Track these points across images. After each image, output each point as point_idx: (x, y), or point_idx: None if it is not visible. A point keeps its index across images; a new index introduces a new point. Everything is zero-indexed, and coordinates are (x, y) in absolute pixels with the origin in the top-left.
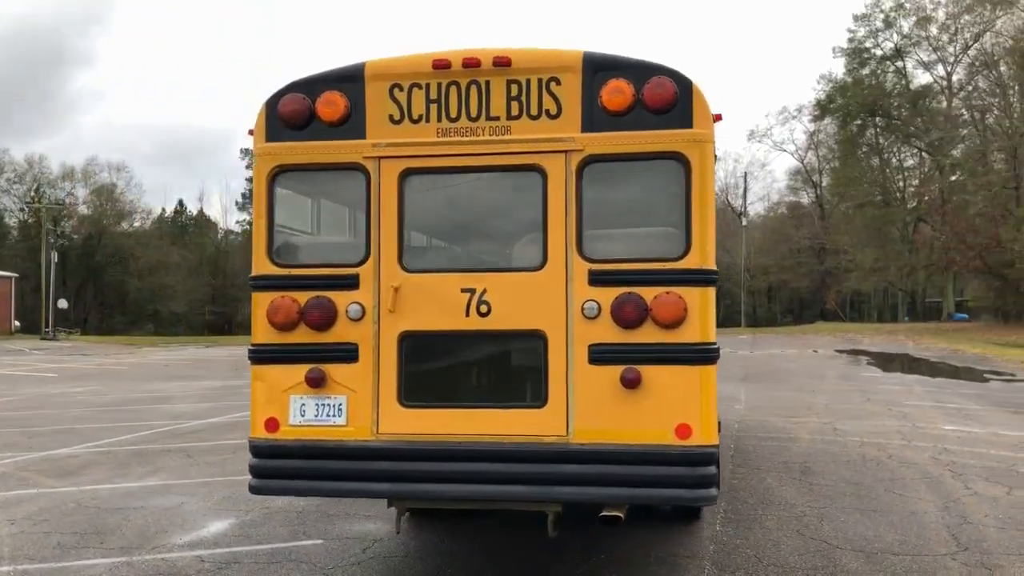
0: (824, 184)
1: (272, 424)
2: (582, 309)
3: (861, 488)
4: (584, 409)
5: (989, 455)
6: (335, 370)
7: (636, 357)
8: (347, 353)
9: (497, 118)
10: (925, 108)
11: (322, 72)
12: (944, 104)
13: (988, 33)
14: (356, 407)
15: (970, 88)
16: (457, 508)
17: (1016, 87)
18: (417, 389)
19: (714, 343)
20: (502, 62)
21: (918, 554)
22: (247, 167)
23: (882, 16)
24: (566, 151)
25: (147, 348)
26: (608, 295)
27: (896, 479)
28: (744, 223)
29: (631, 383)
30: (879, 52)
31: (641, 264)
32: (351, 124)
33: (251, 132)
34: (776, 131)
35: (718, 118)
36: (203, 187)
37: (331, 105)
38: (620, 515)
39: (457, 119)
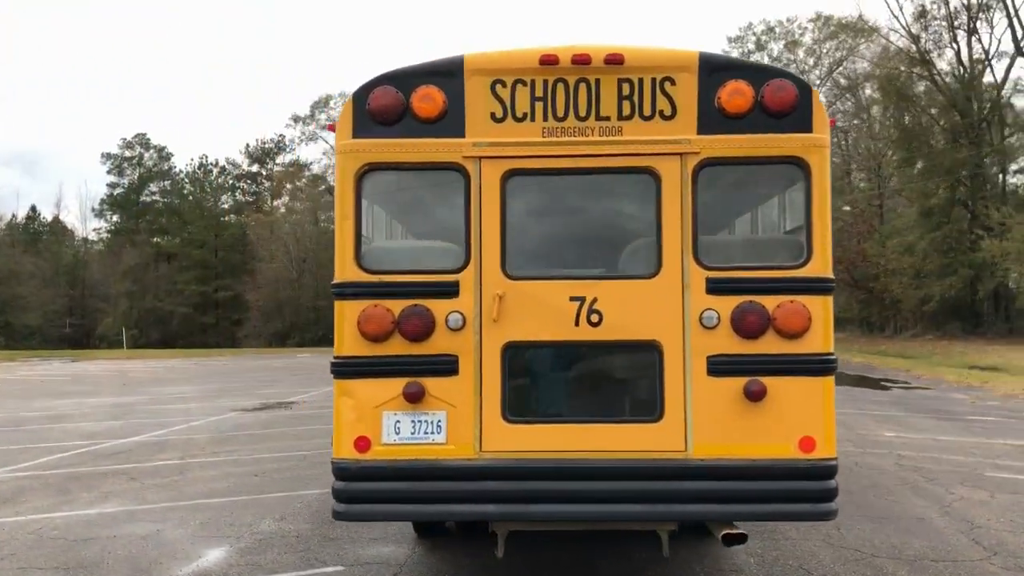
0: None
1: (363, 444)
2: (700, 318)
3: (853, 495)
4: (703, 423)
5: (946, 460)
6: (433, 384)
7: (759, 368)
8: (446, 366)
9: (608, 118)
10: None
11: (416, 65)
12: None
13: (851, 57)
14: (456, 423)
15: (835, 110)
16: (567, 530)
17: (877, 109)
18: (522, 403)
19: (834, 353)
20: (614, 60)
21: (956, 559)
22: (108, 172)
23: (754, 39)
24: (681, 153)
25: (5, 363)
26: (727, 304)
27: (880, 485)
28: None
29: (756, 396)
30: None
31: (762, 272)
32: (448, 121)
33: (332, 127)
34: None
35: (832, 123)
36: (60, 192)
37: (428, 100)
38: (745, 533)
39: (564, 118)
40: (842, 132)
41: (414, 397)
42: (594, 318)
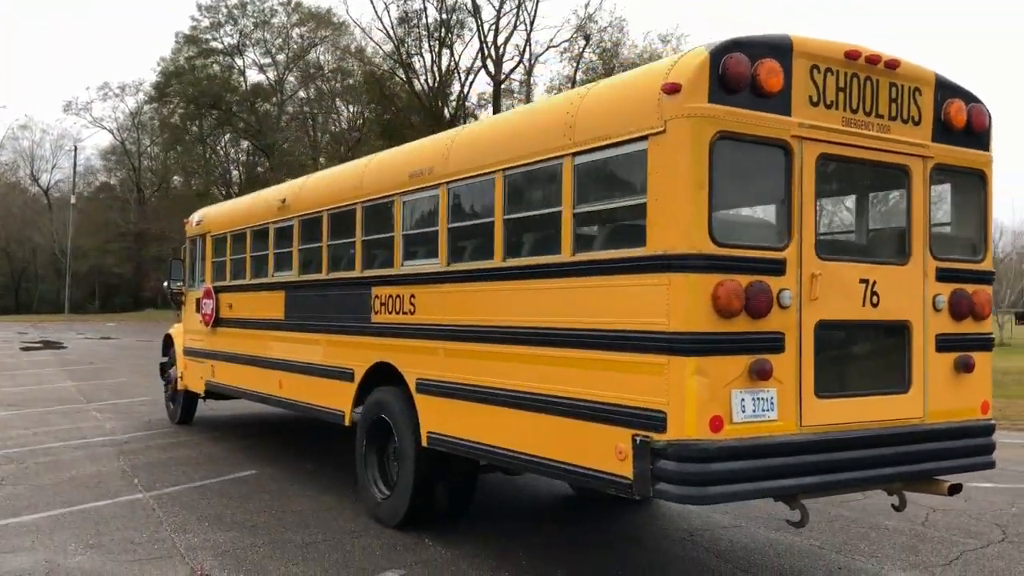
0: (146, 168)
1: (717, 423)
2: (934, 302)
3: None
4: (933, 392)
5: None
6: (772, 361)
7: (966, 345)
8: (777, 343)
9: (882, 116)
10: (260, 109)
11: (755, 36)
12: (276, 108)
13: (318, 47)
14: (784, 400)
15: (301, 95)
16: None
17: (340, 100)
18: (827, 379)
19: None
20: (892, 65)
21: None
22: None
23: (226, 11)
24: (923, 156)
25: None
26: (947, 290)
27: None
28: (73, 201)
29: (967, 368)
30: (220, 45)
31: (967, 264)
32: (780, 98)
33: (672, 88)
34: (97, 106)
35: None
36: None
37: (773, 75)
38: (962, 484)
39: (857, 111)
40: (310, 119)
41: (760, 375)
42: (874, 299)
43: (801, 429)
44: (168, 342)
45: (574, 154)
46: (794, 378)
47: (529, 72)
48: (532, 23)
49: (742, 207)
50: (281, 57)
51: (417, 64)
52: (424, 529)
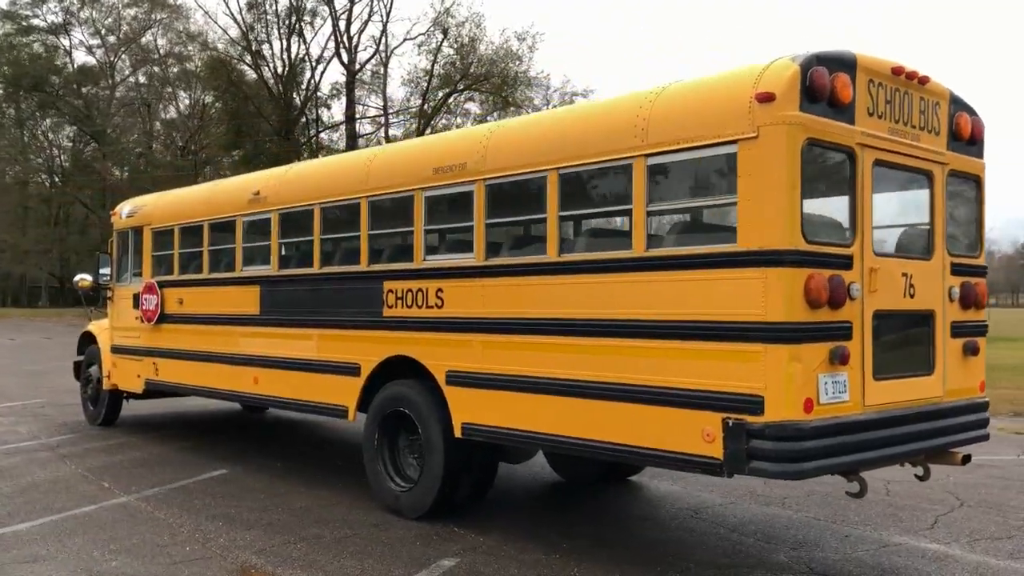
0: None
1: (808, 405)
2: (949, 293)
3: None
4: (949, 374)
5: None
6: (846, 347)
7: (971, 331)
8: (849, 331)
9: (914, 127)
10: (88, 93)
11: (829, 52)
12: (108, 92)
13: (153, 29)
14: (852, 383)
15: (135, 79)
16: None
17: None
18: (882, 363)
19: None
20: (924, 81)
21: None
22: None
23: None
24: (942, 163)
25: None
26: (958, 282)
27: None
28: None
29: (974, 351)
30: (42, 23)
31: (969, 260)
32: (848, 108)
33: (766, 97)
34: None
35: None
36: None
37: (846, 87)
38: (971, 454)
39: (898, 121)
40: (145, 104)
41: (841, 360)
42: (911, 291)
43: (864, 409)
44: (89, 339)
45: (647, 155)
46: (859, 363)
47: (385, 64)
48: (388, 14)
49: (819, 208)
50: (112, 39)
51: (267, 51)
52: (447, 519)
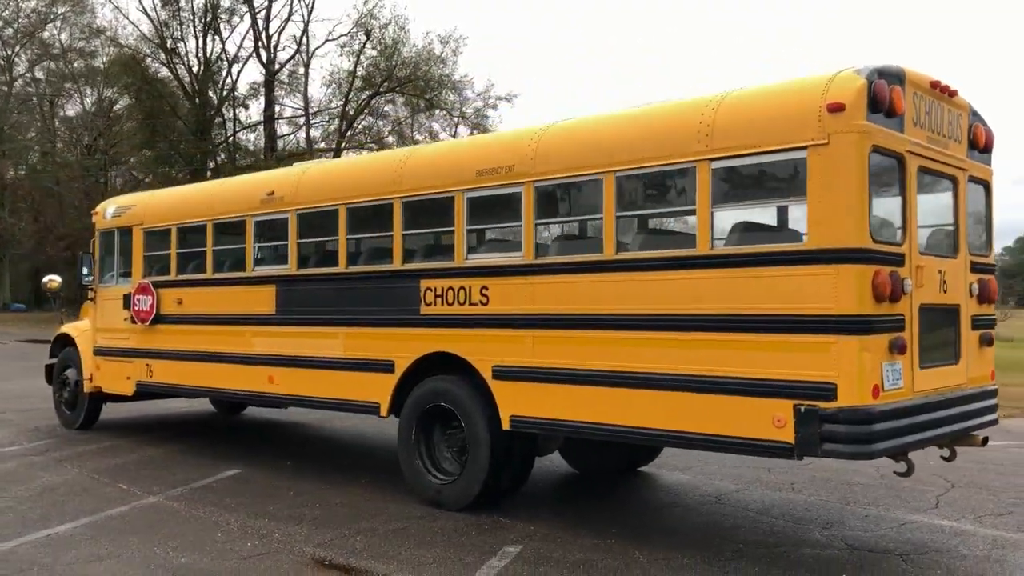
0: None
1: (876, 391)
2: (970, 289)
3: None
4: (970, 363)
5: None
6: (905, 338)
7: (986, 324)
8: (903, 323)
9: (945, 136)
10: None
11: (887, 66)
12: (6, 88)
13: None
14: (905, 371)
15: (31, 75)
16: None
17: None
18: (924, 353)
19: None
20: (952, 94)
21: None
22: None
23: None
24: (964, 169)
25: None
26: (976, 279)
27: None
28: None
29: (989, 343)
30: None
31: (983, 259)
32: (900, 118)
33: (837, 107)
34: None
35: None
36: None
37: (901, 100)
38: (988, 436)
39: (934, 131)
40: (48, 101)
41: (899, 350)
42: (944, 287)
43: (914, 395)
44: (66, 341)
45: (712, 159)
46: (910, 353)
47: (307, 64)
48: (310, 14)
49: (876, 209)
50: (9, 32)
51: (182, 49)
52: (490, 510)
